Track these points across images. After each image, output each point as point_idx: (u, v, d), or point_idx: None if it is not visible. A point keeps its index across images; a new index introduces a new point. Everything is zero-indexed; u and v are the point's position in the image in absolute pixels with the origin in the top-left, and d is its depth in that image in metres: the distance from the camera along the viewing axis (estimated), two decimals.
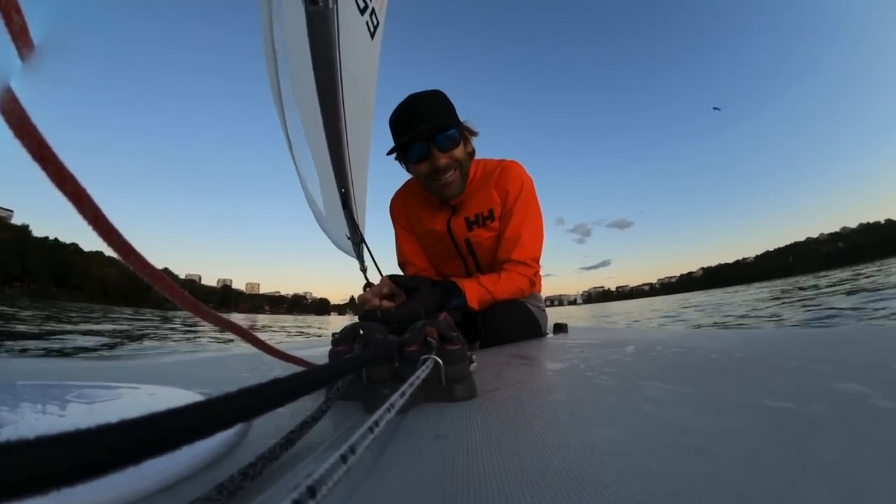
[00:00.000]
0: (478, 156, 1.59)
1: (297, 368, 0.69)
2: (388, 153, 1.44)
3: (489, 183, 1.54)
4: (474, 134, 1.51)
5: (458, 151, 1.41)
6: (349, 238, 3.09)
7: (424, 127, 1.32)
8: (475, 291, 1.34)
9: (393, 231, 1.80)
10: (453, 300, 1.26)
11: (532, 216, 1.53)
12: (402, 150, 1.42)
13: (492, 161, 1.60)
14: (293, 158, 2.56)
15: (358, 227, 2.63)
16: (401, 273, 1.68)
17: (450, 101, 1.41)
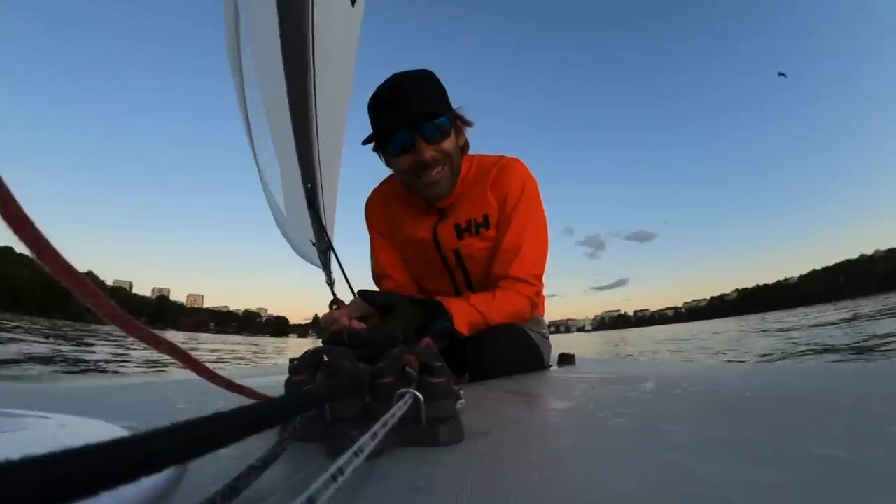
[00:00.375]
0: (471, 151, 1.60)
1: (247, 401, 0.68)
2: (365, 142, 1.42)
3: (485, 183, 1.56)
4: (468, 124, 1.51)
5: (448, 143, 1.42)
6: (314, 244, 3.06)
7: (409, 112, 1.32)
8: (464, 313, 1.34)
9: (368, 237, 1.80)
10: (437, 323, 1.26)
11: (535, 224, 1.54)
12: (382, 139, 1.41)
13: (488, 157, 1.61)
14: (251, 144, 2.54)
15: (325, 232, 2.61)
16: (375, 289, 1.71)
17: (441, 84, 1.42)
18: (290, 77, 1.70)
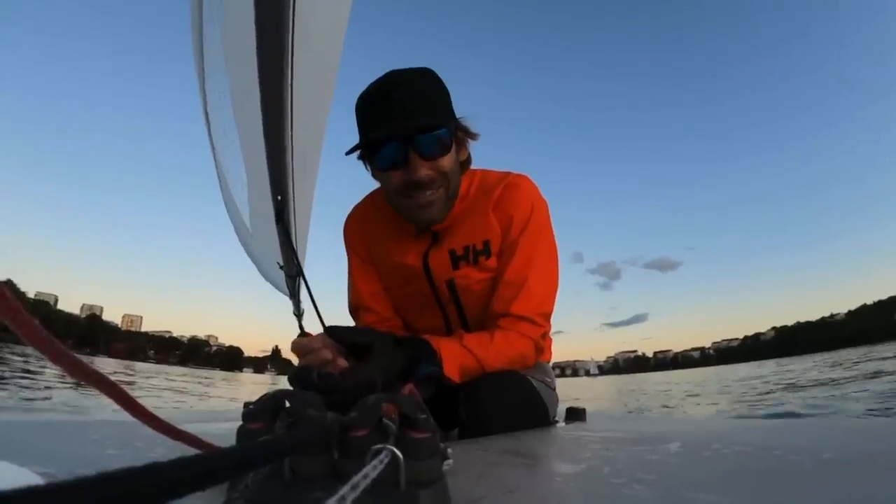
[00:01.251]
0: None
1: (190, 450, 0.67)
2: (349, 152, 1.42)
3: (487, 203, 1.57)
4: (473, 137, 1.53)
5: (447, 161, 1.43)
6: (281, 267, 3.04)
7: (403, 122, 1.33)
8: (456, 356, 1.33)
9: (346, 262, 1.80)
10: (423, 367, 1.25)
11: (544, 255, 1.55)
12: (370, 150, 1.42)
13: (492, 174, 1.63)
14: (212, 145, 2.53)
15: (295, 253, 2.59)
16: (351, 323, 1.69)
17: (443, 87, 1.43)
18: (264, 65, 1.71)
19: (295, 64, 1.80)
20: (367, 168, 1.52)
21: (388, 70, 1.41)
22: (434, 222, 1.50)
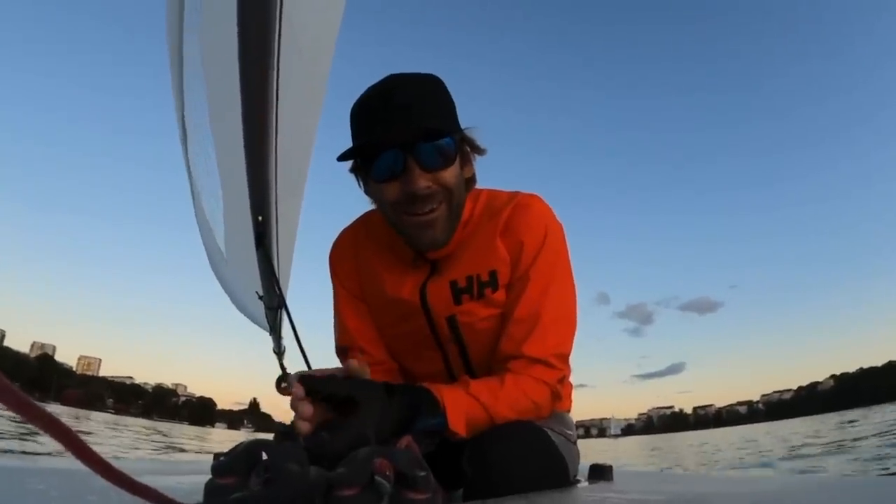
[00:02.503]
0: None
1: None
2: (341, 158, 1.43)
3: (494, 228, 1.58)
4: (480, 152, 1.56)
5: (450, 174, 1.44)
6: (261, 298, 3.02)
7: (403, 125, 1.35)
8: (461, 406, 1.33)
9: (333, 295, 1.79)
10: (423, 419, 1.24)
11: (560, 286, 1.56)
12: (363, 158, 1.44)
13: (500, 194, 1.65)
14: (185, 156, 2.55)
15: (277, 282, 2.58)
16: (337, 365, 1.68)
17: (449, 95, 1.46)
18: (247, 70, 1.74)
19: (281, 70, 1.84)
20: (358, 183, 1.55)
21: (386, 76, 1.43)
22: (437, 245, 1.50)
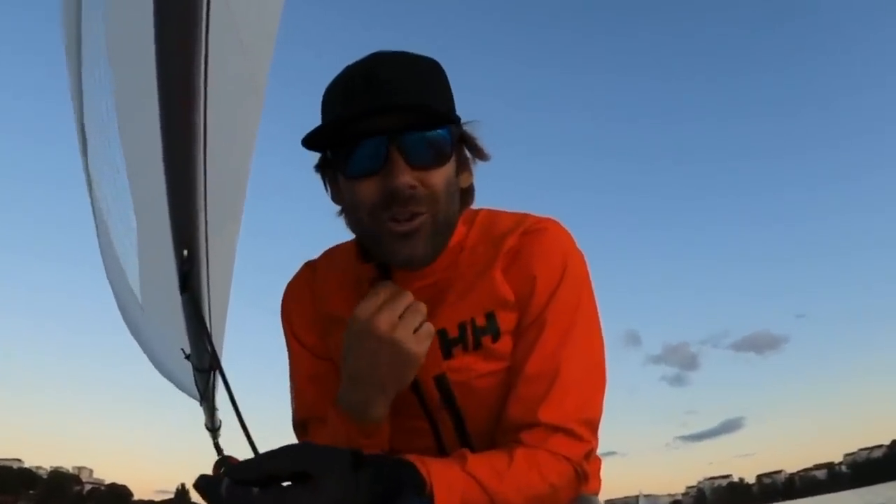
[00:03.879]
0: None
1: None
2: (305, 141, 1.36)
3: (494, 257, 1.53)
4: (482, 155, 1.51)
5: (440, 176, 1.37)
6: (188, 356, 2.92)
7: (388, 105, 1.29)
8: (455, 487, 1.24)
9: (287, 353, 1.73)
10: (402, 501, 1.17)
11: (584, 333, 1.51)
12: (335, 150, 1.38)
13: (503, 216, 1.62)
14: (86, 171, 2.42)
15: (209, 336, 2.48)
16: (294, 442, 1.58)
17: (447, 81, 1.43)
18: (165, 61, 1.65)
19: (210, 60, 1.80)
20: (325, 185, 1.51)
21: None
22: (416, 261, 1.39)
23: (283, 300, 1.73)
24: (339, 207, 1.51)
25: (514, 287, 1.49)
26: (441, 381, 1.50)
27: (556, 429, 1.39)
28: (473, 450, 1.45)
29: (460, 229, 1.51)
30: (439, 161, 1.35)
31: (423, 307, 1.31)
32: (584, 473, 1.44)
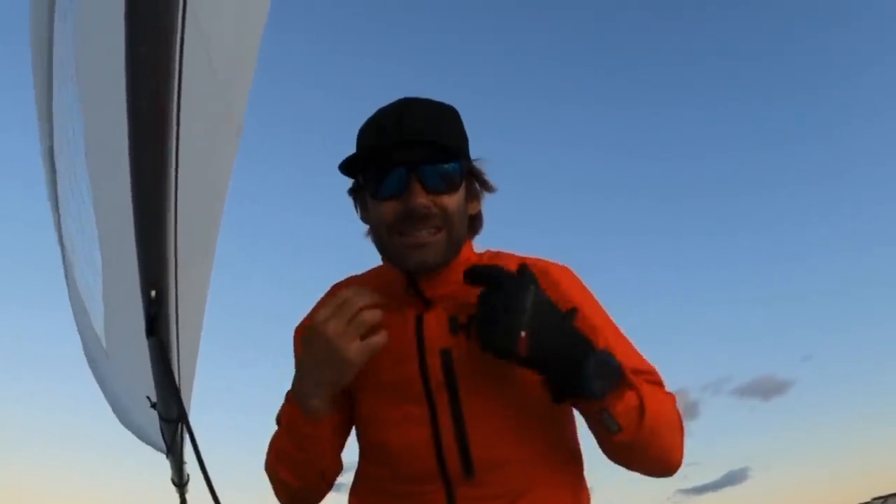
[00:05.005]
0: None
1: None
2: (342, 166, 1.60)
3: None
4: (488, 188, 1.71)
5: (452, 200, 1.56)
6: (153, 405, 2.79)
7: (409, 141, 1.48)
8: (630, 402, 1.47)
9: (257, 411, 1.82)
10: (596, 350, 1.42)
11: (620, 336, 1.69)
12: (366, 177, 1.58)
13: (512, 257, 1.73)
14: (55, 208, 2.33)
15: (177, 384, 2.36)
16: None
17: (461, 124, 1.64)
18: (136, 87, 1.63)
19: (184, 89, 1.78)
20: (356, 207, 1.71)
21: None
22: (427, 265, 1.58)
23: (308, 318, 1.78)
24: (366, 228, 1.71)
25: None
26: (446, 356, 1.57)
27: (644, 372, 1.59)
28: (466, 442, 1.54)
29: (471, 257, 1.70)
30: (450, 188, 1.55)
31: (374, 315, 1.45)
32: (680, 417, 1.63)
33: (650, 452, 1.52)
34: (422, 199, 1.51)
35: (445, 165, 1.53)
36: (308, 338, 1.50)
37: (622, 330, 1.72)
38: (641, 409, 1.46)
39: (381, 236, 1.61)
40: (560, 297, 1.59)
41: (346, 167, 1.62)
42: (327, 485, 1.78)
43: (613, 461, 1.63)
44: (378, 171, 1.55)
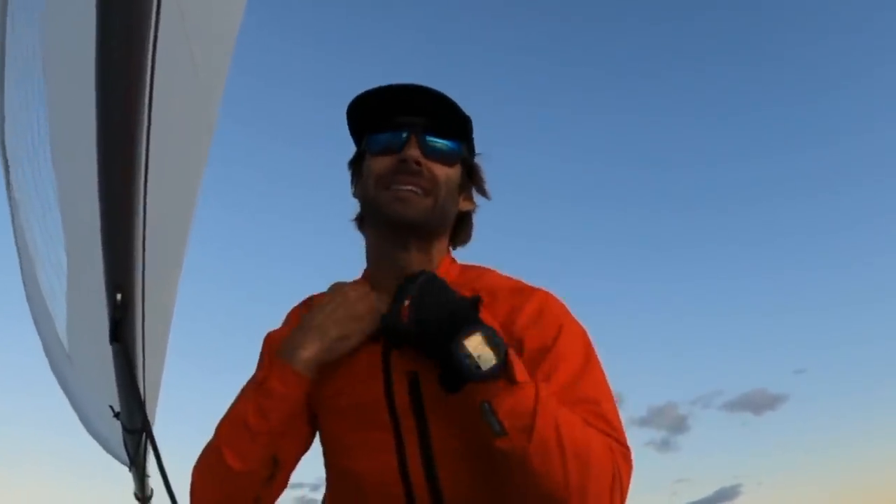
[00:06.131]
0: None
1: None
2: (351, 108, 1.63)
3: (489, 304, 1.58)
4: (482, 189, 1.71)
5: (444, 171, 1.58)
6: (117, 415, 2.73)
7: (415, 105, 1.55)
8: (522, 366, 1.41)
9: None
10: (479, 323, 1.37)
11: (596, 364, 1.59)
12: (373, 133, 1.60)
13: (490, 277, 1.73)
14: (10, 204, 2.28)
15: (140, 394, 2.32)
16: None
17: (467, 118, 1.63)
18: (107, 79, 1.60)
19: (157, 80, 1.78)
20: (352, 182, 1.70)
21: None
22: (407, 220, 1.55)
23: (281, 326, 1.79)
24: (353, 222, 1.71)
25: (505, 328, 1.52)
26: (413, 379, 1.51)
27: (596, 416, 1.45)
28: (435, 473, 1.48)
29: (450, 271, 1.66)
30: (445, 161, 1.58)
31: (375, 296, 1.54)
32: (620, 470, 1.44)
33: (536, 479, 1.34)
34: (416, 153, 1.54)
35: (446, 140, 1.58)
36: (330, 292, 1.57)
37: (600, 365, 1.63)
38: (534, 413, 1.32)
39: (367, 191, 1.60)
40: (537, 321, 1.57)
41: (353, 127, 1.68)
42: (270, 485, 1.63)
43: (491, 479, 1.49)
44: (382, 129, 1.59)
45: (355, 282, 1.64)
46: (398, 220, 1.57)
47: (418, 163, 1.54)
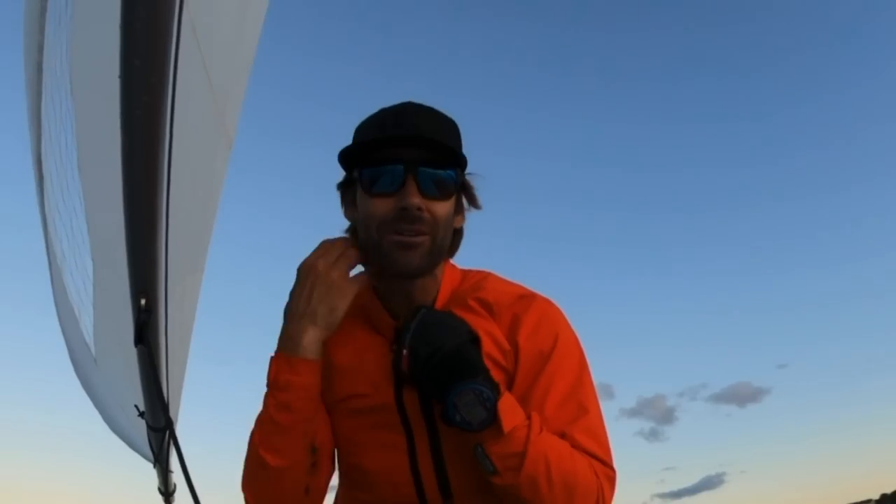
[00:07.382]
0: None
1: None
2: (342, 156, 1.62)
3: (486, 315, 1.64)
4: (475, 204, 1.70)
5: (443, 207, 1.57)
6: (142, 414, 2.77)
7: (410, 139, 1.50)
8: (516, 409, 1.45)
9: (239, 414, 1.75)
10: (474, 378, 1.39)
11: (589, 380, 1.64)
12: (365, 169, 1.57)
13: (495, 284, 1.75)
14: (42, 214, 2.33)
15: (164, 394, 2.34)
16: None
17: (459, 135, 1.65)
18: (131, 93, 1.62)
19: (178, 94, 1.80)
20: (343, 201, 1.69)
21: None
22: (413, 270, 1.56)
23: None
24: (348, 226, 1.68)
25: (507, 335, 1.59)
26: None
27: (586, 451, 1.50)
28: (446, 476, 1.56)
29: (454, 280, 1.71)
30: (444, 195, 1.55)
31: (353, 252, 1.57)
32: (603, 497, 1.53)
33: (539, 464, 1.43)
34: (416, 200, 1.51)
35: (442, 171, 1.54)
36: (298, 281, 1.55)
37: (590, 374, 1.67)
38: (523, 455, 1.42)
39: (370, 232, 1.58)
40: (536, 331, 1.62)
41: (344, 159, 1.63)
42: (315, 472, 1.65)
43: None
44: (375, 166, 1.55)
45: (340, 239, 1.62)
46: (403, 270, 1.59)
47: (420, 207, 1.51)
